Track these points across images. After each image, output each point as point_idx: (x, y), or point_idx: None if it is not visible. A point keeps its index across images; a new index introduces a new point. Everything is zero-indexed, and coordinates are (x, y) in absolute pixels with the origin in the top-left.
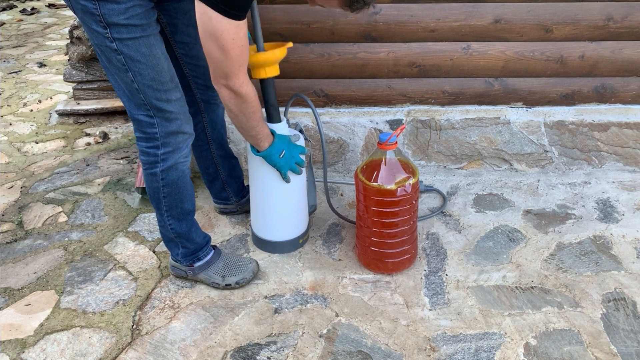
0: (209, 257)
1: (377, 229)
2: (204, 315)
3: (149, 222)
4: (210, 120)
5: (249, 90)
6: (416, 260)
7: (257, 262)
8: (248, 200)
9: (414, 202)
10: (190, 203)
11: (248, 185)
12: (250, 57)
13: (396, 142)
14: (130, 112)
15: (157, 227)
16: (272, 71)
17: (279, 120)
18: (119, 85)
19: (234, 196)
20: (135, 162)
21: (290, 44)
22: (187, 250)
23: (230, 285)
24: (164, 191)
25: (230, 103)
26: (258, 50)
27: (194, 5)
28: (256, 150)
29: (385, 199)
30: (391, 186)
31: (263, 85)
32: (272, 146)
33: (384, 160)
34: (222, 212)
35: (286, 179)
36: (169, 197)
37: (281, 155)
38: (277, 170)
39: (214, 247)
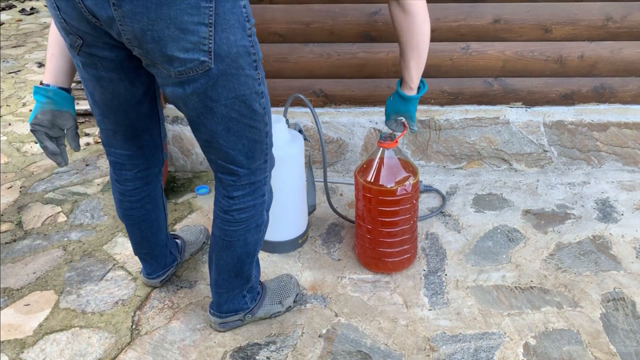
0: (259, 288)
1: (377, 229)
2: (203, 315)
3: None
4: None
5: None
6: (415, 260)
7: (292, 276)
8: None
9: (414, 201)
10: None
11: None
12: None
13: (397, 141)
14: (248, 168)
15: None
16: None
17: None
18: (243, 142)
19: (179, 253)
20: None
21: None
22: (254, 292)
23: (290, 307)
24: (262, 239)
25: (425, 14)
26: None
27: None
28: (408, 94)
29: (385, 198)
30: (391, 186)
31: None
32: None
33: (384, 159)
34: (161, 283)
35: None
36: (262, 243)
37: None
38: (410, 117)
39: None
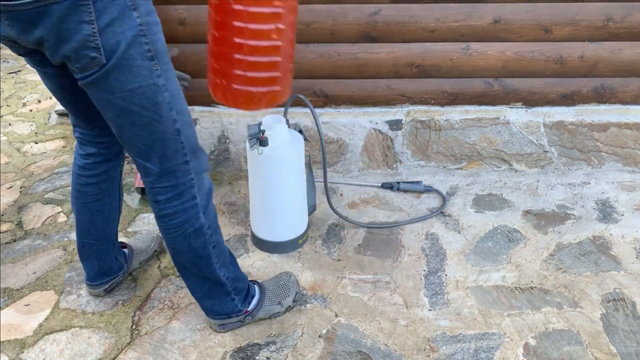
0: (258, 292)
1: (230, 38)
2: (203, 316)
3: (148, 222)
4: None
5: None
6: (284, 96)
7: (292, 272)
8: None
9: (285, 9)
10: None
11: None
12: None
13: None
14: (161, 167)
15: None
16: None
17: None
18: (152, 137)
19: (125, 262)
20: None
21: None
22: (242, 293)
23: (290, 307)
24: (212, 240)
25: None
26: None
27: None
28: None
29: None
30: None
31: None
32: None
33: None
34: (105, 293)
35: None
36: (217, 244)
37: None
38: None
39: (254, 281)
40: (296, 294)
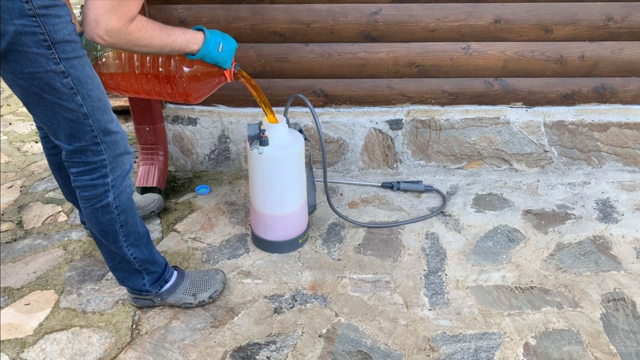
0: (174, 278)
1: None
2: (203, 315)
3: (148, 222)
4: None
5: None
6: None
7: (223, 272)
8: None
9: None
10: (142, 224)
11: None
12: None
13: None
14: (70, 145)
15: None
16: None
17: None
18: (57, 118)
19: None
20: (135, 162)
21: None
22: (154, 275)
23: (204, 301)
24: (120, 219)
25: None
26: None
27: None
28: (191, 55)
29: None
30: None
31: None
32: (206, 44)
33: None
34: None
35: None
36: (125, 224)
37: (220, 49)
38: (220, 64)
39: (176, 267)
40: (215, 292)
